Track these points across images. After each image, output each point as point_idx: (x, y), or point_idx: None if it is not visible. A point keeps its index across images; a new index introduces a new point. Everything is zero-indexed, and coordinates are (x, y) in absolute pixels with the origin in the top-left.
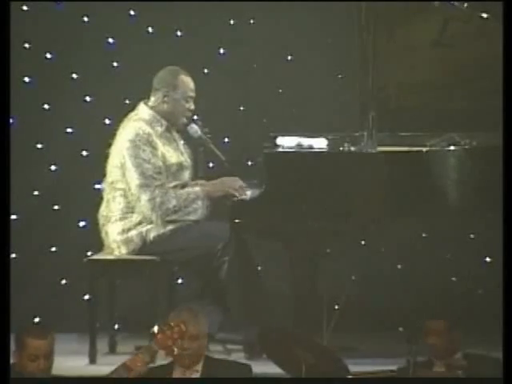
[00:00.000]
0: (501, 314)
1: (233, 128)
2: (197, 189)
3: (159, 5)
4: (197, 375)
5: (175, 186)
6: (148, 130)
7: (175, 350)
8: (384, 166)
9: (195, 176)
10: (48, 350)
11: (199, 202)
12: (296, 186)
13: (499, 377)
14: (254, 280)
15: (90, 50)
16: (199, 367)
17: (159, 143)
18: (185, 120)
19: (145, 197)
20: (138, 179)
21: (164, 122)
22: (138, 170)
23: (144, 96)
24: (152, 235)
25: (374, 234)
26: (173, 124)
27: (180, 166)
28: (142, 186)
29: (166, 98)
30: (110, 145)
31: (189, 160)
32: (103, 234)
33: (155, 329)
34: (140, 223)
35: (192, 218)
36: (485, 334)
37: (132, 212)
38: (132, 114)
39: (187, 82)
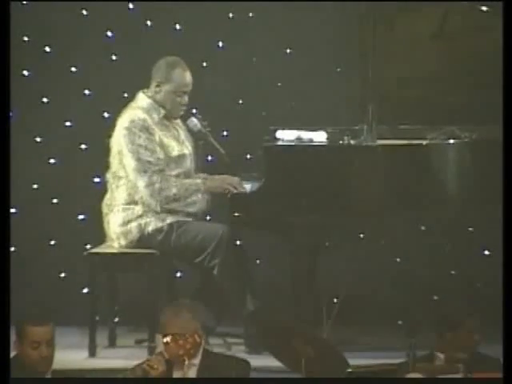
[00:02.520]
0: (500, 308)
1: (232, 121)
2: (198, 181)
3: None
4: (194, 369)
5: (178, 175)
6: (144, 116)
7: (186, 360)
8: (384, 159)
9: (196, 166)
10: (49, 337)
11: (199, 195)
12: (295, 179)
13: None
14: (252, 275)
15: (88, 43)
16: (197, 361)
17: (156, 129)
18: (179, 112)
19: (142, 182)
20: (134, 165)
21: (162, 111)
22: (135, 156)
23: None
24: (150, 228)
25: (373, 227)
26: (168, 113)
27: (181, 154)
28: (139, 172)
29: (157, 88)
30: (110, 136)
31: (190, 147)
32: (105, 224)
33: (168, 338)
34: (141, 216)
35: (190, 209)
36: (484, 327)
37: (135, 203)
38: (131, 103)
39: (182, 76)
